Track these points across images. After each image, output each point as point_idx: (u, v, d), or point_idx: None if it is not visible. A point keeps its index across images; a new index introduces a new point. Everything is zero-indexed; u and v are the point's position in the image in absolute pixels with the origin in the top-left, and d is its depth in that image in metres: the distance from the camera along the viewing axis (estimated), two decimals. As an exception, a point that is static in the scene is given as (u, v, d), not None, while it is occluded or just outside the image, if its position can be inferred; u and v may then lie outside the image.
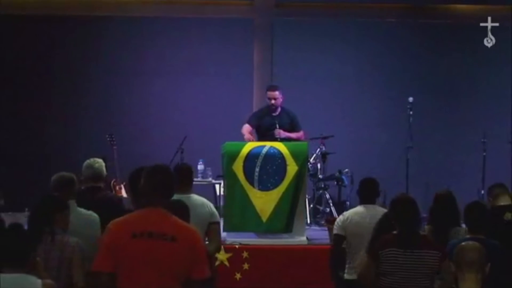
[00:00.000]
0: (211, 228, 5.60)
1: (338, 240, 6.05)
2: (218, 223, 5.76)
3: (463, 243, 4.17)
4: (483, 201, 7.27)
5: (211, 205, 5.74)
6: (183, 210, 4.96)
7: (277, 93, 8.93)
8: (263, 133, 8.88)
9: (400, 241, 4.76)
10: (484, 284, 4.22)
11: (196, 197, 5.69)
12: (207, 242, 5.45)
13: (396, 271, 4.73)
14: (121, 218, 3.76)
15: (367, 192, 5.98)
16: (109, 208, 5.35)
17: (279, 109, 8.98)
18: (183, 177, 5.64)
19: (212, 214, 5.66)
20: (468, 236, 5.06)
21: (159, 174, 3.77)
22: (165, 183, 3.76)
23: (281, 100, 8.97)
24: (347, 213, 6.08)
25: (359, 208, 5.99)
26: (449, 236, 5.53)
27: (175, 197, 4.52)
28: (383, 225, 5.11)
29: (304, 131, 8.94)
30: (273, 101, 8.87)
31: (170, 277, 3.61)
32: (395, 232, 4.88)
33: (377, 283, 4.82)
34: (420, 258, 4.73)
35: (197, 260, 3.69)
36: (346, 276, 5.93)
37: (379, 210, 5.82)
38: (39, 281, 3.84)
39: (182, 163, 6.53)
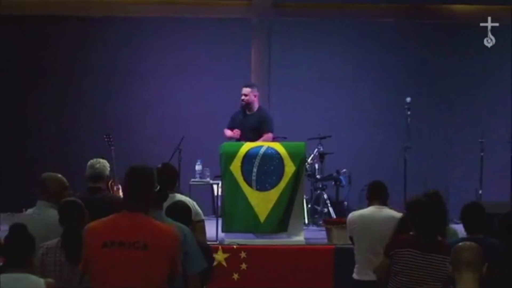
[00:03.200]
0: (196, 226, 5.60)
1: (351, 241, 6.17)
2: (203, 220, 5.77)
3: (460, 243, 4.16)
4: (480, 202, 7.25)
5: (195, 204, 5.74)
6: (184, 211, 4.98)
7: (248, 89, 8.98)
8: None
9: (417, 243, 4.76)
10: (481, 284, 4.21)
11: (180, 197, 5.69)
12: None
13: (410, 271, 4.72)
14: (95, 223, 3.68)
15: (378, 194, 5.98)
16: (108, 209, 5.34)
17: (254, 108, 9.00)
18: (168, 177, 5.65)
19: (196, 213, 5.66)
20: (466, 236, 5.06)
21: (135, 176, 3.65)
22: (142, 185, 3.64)
23: (252, 98, 8.98)
24: (355, 215, 6.12)
25: (369, 209, 6.00)
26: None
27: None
28: (400, 228, 5.11)
29: (272, 134, 8.89)
30: (243, 97, 8.94)
31: (145, 284, 3.53)
32: (412, 233, 4.87)
33: (391, 281, 4.82)
34: (434, 262, 4.72)
35: (172, 263, 3.61)
36: (354, 276, 5.96)
37: (389, 212, 5.83)
38: (41, 280, 3.84)
39: (166, 163, 6.51)
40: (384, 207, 5.91)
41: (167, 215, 4.65)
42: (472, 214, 5.13)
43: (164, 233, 3.63)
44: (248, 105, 8.95)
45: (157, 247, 3.54)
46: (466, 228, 5.16)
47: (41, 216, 5.14)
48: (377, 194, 6.01)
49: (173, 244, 3.62)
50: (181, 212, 4.96)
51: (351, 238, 6.16)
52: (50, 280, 3.96)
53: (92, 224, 3.69)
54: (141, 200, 3.63)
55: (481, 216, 5.14)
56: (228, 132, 8.98)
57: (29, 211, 5.50)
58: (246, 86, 9.06)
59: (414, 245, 4.75)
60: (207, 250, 5.22)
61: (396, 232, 5.14)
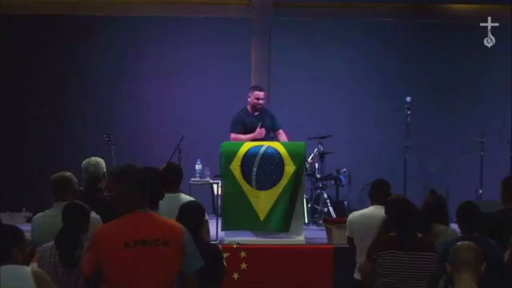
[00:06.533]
0: None
1: (349, 242, 6.20)
2: (207, 221, 5.76)
3: (458, 243, 4.16)
4: (481, 201, 7.25)
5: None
6: (197, 211, 5.01)
7: (263, 93, 8.88)
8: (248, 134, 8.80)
9: (400, 243, 4.77)
10: (480, 284, 4.21)
11: (184, 196, 5.72)
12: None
13: (395, 272, 4.76)
14: (108, 226, 3.70)
15: (380, 194, 5.97)
16: (109, 209, 5.33)
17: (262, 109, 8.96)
18: (173, 177, 5.67)
19: None
20: (461, 235, 5.06)
21: (138, 173, 3.69)
22: (145, 182, 3.68)
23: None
24: (355, 215, 6.14)
25: (370, 209, 6.02)
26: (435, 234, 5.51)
27: (165, 197, 4.54)
28: (388, 225, 5.11)
29: (283, 129, 8.89)
30: (260, 101, 8.83)
31: (165, 281, 3.62)
32: (392, 234, 4.88)
33: (375, 283, 4.84)
34: (419, 260, 4.76)
35: (183, 257, 3.71)
36: (356, 276, 5.99)
37: None
38: (28, 269, 3.80)
39: (171, 162, 6.52)
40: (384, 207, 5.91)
41: (180, 215, 4.68)
42: (467, 214, 5.13)
43: (176, 228, 3.74)
44: (262, 107, 8.92)
45: (174, 242, 3.65)
46: (461, 227, 5.16)
47: None
48: (378, 193, 6.01)
49: (184, 238, 3.73)
50: (195, 212, 4.97)
51: (350, 239, 6.16)
52: (39, 269, 3.94)
53: (104, 227, 3.73)
54: (147, 198, 3.70)
55: (476, 215, 5.14)
56: (241, 136, 8.63)
57: (50, 212, 5.33)
58: (261, 90, 8.90)
59: (396, 246, 4.77)
60: (217, 254, 5.21)
61: (381, 234, 5.15)
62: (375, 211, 5.89)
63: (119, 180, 3.67)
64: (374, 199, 6.04)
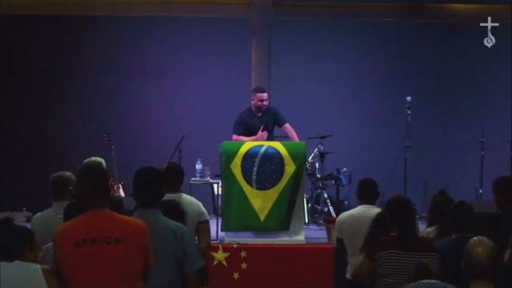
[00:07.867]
0: (201, 227, 5.63)
1: (338, 243, 6.21)
2: (208, 221, 5.78)
3: (474, 238, 4.13)
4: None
5: (200, 204, 5.75)
6: (175, 210, 4.95)
7: (266, 94, 8.85)
8: (250, 136, 8.75)
9: (401, 243, 4.76)
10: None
11: (185, 196, 5.71)
12: (196, 241, 5.44)
13: (396, 272, 4.74)
14: (65, 225, 3.74)
15: (367, 193, 5.98)
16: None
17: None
18: (174, 177, 5.66)
19: (201, 213, 5.68)
20: (455, 236, 5.04)
21: (96, 173, 3.71)
22: (104, 181, 3.70)
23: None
24: (344, 216, 6.13)
25: (358, 209, 6.02)
26: None
27: (166, 196, 4.54)
28: (379, 223, 5.11)
29: (289, 122, 8.85)
30: (265, 103, 8.80)
31: (121, 279, 3.59)
32: (393, 233, 4.87)
33: (376, 283, 4.83)
34: (420, 260, 4.72)
35: (145, 254, 3.67)
36: (348, 276, 5.99)
37: (377, 211, 5.82)
38: (38, 266, 3.89)
39: (173, 162, 6.50)
40: (372, 206, 5.91)
41: None
42: (461, 214, 5.12)
43: (134, 226, 3.70)
44: (266, 108, 8.86)
45: (129, 240, 3.61)
46: (455, 227, 5.14)
47: None
48: (366, 192, 6.01)
49: (144, 236, 3.69)
50: (171, 211, 4.94)
51: (339, 240, 6.15)
52: (46, 266, 4.02)
53: (62, 226, 3.75)
54: (107, 196, 3.71)
55: (470, 215, 5.13)
56: (243, 138, 8.54)
57: (49, 211, 5.36)
58: (263, 91, 8.84)
59: (397, 246, 4.76)
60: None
61: (372, 233, 5.15)
62: (363, 210, 5.90)
63: (79, 178, 3.75)
64: (362, 199, 6.04)
